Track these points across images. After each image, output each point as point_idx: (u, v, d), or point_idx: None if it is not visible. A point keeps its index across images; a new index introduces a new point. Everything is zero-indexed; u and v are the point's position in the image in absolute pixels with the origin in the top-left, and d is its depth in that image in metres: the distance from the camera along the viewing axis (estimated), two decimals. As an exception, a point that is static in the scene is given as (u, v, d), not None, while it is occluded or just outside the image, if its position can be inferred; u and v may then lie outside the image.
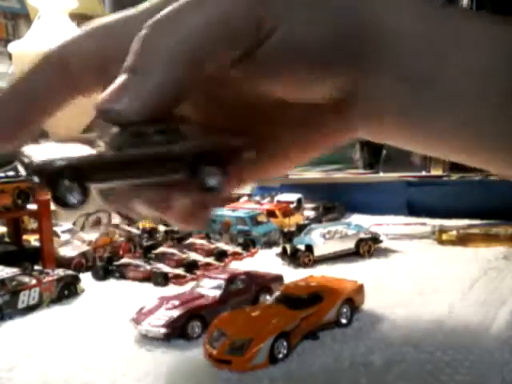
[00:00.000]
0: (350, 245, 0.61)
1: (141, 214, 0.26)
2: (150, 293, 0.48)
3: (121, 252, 0.62)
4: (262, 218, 0.71)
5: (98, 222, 0.70)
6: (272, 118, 0.28)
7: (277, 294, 0.39)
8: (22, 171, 0.22)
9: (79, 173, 0.21)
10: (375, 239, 0.63)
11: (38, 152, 0.22)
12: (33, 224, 0.70)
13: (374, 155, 0.96)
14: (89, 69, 0.25)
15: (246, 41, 0.23)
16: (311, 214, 0.82)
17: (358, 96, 0.24)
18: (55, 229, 0.64)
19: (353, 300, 0.40)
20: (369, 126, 0.26)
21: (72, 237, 0.65)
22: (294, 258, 0.58)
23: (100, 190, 0.24)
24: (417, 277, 0.52)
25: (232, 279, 0.42)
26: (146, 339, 0.38)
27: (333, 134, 0.28)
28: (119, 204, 0.26)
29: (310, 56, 0.23)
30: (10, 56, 0.96)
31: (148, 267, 0.55)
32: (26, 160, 0.21)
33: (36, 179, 0.21)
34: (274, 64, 0.23)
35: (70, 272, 0.52)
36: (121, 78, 0.22)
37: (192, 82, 0.22)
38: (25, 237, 0.64)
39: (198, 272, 0.54)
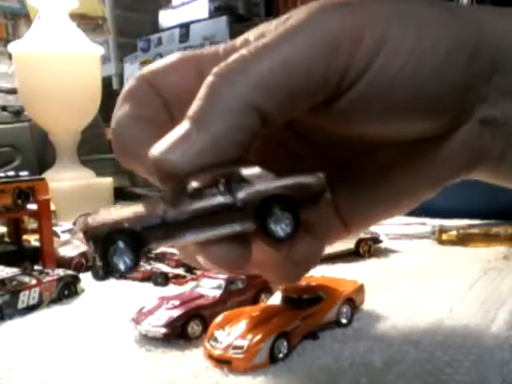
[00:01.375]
0: (349, 245, 0.61)
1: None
2: (150, 293, 0.48)
3: (121, 252, 0.61)
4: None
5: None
6: (377, 159, 0.25)
7: (277, 293, 0.39)
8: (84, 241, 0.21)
9: (132, 236, 0.20)
10: (375, 239, 0.63)
11: (97, 218, 0.21)
12: (33, 224, 0.70)
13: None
14: (176, 101, 0.23)
15: (326, 92, 0.20)
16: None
17: (479, 130, 0.22)
18: (55, 229, 0.64)
19: (353, 300, 0.40)
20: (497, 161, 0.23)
21: (72, 237, 0.65)
22: (294, 258, 0.58)
23: None
24: (417, 277, 0.52)
25: (232, 279, 0.42)
26: (146, 339, 0.38)
27: (444, 172, 0.25)
28: (187, 256, 0.24)
29: (415, 91, 0.21)
30: (9, 56, 0.96)
31: (148, 267, 0.55)
32: (82, 227, 0.21)
33: (91, 245, 0.20)
34: (363, 110, 0.21)
35: (70, 272, 0.52)
36: (181, 128, 0.20)
37: (258, 135, 0.20)
38: (25, 237, 0.63)
39: (198, 272, 0.54)
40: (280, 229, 0.20)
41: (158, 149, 0.20)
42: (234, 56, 0.20)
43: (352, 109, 0.21)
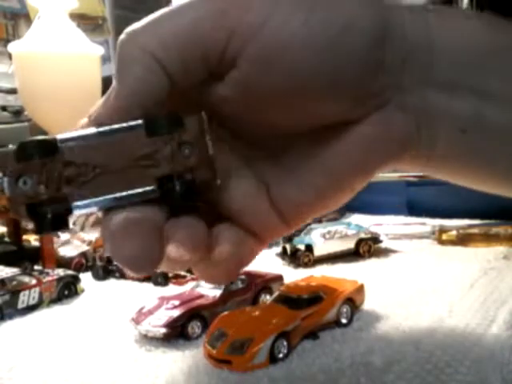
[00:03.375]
0: (349, 245, 0.61)
1: None
2: (149, 293, 0.48)
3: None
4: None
5: (98, 222, 0.70)
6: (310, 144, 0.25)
7: (277, 293, 0.39)
8: None
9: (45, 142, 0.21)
10: (375, 239, 0.63)
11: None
12: (33, 224, 0.69)
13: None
14: None
15: (216, 50, 0.21)
16: (311, 213, 0.82)
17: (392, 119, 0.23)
18: (55, 229, 0.64)
19: (353, 300, 0.40)
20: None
21: (72, 237, 0.65)
22: (294, 257, 0.59)
23: None
24: (417, 277, 0.52)
25: (232, 279, 0.42)
26: (146, 339, 0.38)
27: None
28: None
29: (308, 64, 0.21)
30: (10, 56, 0.96)
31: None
32: None
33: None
34: (262, 77, 0.22)
35: (70, 272, 0.52)
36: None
37: (160, 91, 0.22)
38: (25, 237, 0.64)
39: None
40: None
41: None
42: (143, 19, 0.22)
43: (249, 81, 0.22)
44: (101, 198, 0.21)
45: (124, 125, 0.21)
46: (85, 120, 0.23)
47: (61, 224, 0.21)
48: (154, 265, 0.22)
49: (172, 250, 0.22)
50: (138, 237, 0.21)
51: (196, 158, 0.22)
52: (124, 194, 0.21)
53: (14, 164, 0.20)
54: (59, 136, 0.21)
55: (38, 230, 0.21)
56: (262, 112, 0.23)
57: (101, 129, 0.21)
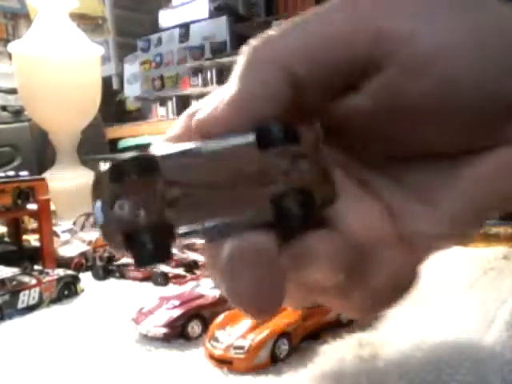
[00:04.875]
0: (350, 245, 0.61)
1: None
2: (149, 293, 0.48)
3: (121, 252, 0.62)
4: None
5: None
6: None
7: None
8: None
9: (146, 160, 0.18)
10: (375, 239, 0.62)
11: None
12: (33, 224, 0.70)
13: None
14: None
15: (345, 70, 0.20)
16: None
17: None
18: (55, 229, 0.64)
19: (353, 300, 0.40)
20: None
21: (72, 237, 0.65)
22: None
23: None
24: (417, 277, 0.52)
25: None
26: (146, 339, 0.38)
27: None
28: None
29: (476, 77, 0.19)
30: (10, 56, 0.96)
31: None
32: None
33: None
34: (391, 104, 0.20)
35: (70, 272, 0.52)
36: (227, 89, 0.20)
37: (286, 96, 0.20)
38: (25, 237, 0.64)
39: (198, 272, 0.54)
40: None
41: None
42: (275, 28, 0.21)
43: (395, 88, 0.20)
44: (209, 224, 0.18)
45: (232, 137, 0.18)
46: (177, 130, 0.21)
47: (163, 254, 0.17)
48: (277, 302, 0.19)
49: (312, 272, 0.19)
50: (259, 270, 0.18)
51: (313, 172, 0.19)
52: (234, 218, 0.18)
53: (109, 185, 0.17)
54: (159, 151, 0.18)
55: (137, 263, 0.18)
56: (399, 127, 0.21)
57: (206, 143, 0.18)
